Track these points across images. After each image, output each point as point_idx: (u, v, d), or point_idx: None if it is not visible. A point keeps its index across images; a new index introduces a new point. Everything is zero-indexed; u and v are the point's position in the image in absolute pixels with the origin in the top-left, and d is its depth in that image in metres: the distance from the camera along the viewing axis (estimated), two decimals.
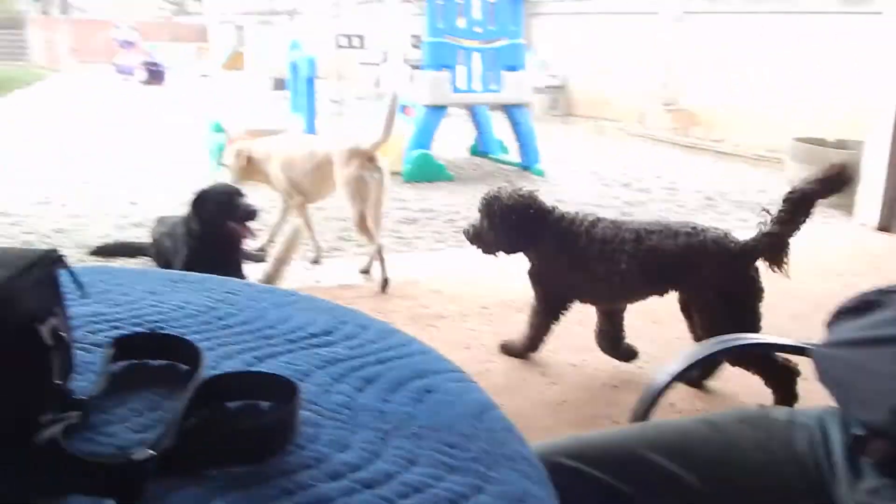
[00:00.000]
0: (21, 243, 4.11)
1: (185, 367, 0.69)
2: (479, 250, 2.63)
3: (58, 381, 0.60)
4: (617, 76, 10.17)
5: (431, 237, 4.61)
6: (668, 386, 1.24)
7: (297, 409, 0.62)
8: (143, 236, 4.23)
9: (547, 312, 2.63)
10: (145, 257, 3.69)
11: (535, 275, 2.62)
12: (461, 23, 6.26)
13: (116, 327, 0.78)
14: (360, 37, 11.02)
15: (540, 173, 6.46)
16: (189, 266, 2.81)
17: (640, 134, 9.25)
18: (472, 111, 6.99)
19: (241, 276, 2.86)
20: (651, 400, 1.23)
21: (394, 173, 6.19)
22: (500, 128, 6.99)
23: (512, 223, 2.47)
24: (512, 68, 6.40)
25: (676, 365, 1.26)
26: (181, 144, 7.88)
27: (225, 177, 3.87)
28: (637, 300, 2.55)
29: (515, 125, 6.57)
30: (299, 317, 0.84)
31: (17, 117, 10.15)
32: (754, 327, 2.21)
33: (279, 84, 12.82)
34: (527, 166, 6.58)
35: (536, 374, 2.66)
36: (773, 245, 2.20)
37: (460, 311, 3.22)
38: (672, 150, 8.33)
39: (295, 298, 0.90)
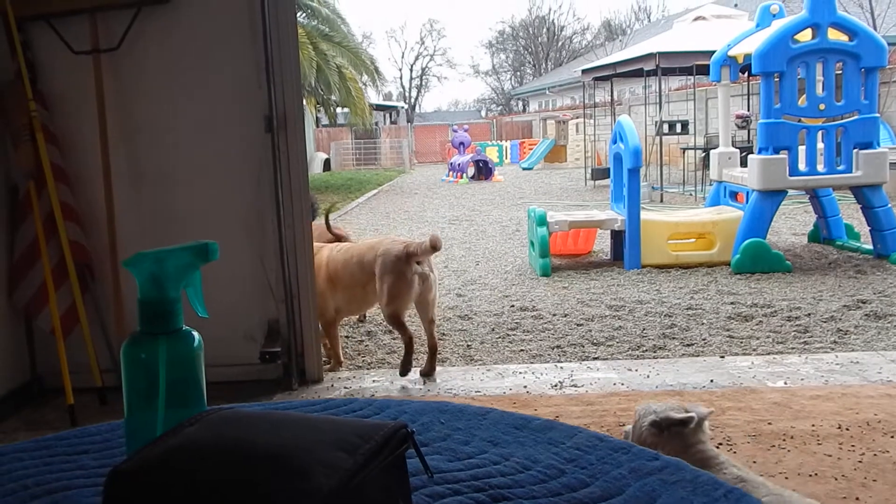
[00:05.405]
0: (363, 333, 4.49)
1: None
2: None
3: None
4: None
5: (770, 337, 4.10)
6: None
7: None
8: (469, 329, 4.39)
9: None
10: None
11: None
12: (802, 101, 5.79)
13: (456, 491, 0.69)
14: (684, 122, 10.74)
15: None
16: None
17: None
18: (815, 194, 6.45)
19: None
20: None
21: (723, 263, 5.80)
22: (847, 211, 6.17)
23: None
24: (865, 145, 5.71)
25: None
26: (505, 236, 8.24)
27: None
28: None
29: (868, 208, 5.83)
30: (669, 496, 0.67)
31: (367, 213, 11.53)
32: None
33: (599, 174, 13.00)
34: (884, 254, 5.82)
35: None
36: None
37: (811, 431, 2.75)
38: None
39: (659, 464, 0.73)
